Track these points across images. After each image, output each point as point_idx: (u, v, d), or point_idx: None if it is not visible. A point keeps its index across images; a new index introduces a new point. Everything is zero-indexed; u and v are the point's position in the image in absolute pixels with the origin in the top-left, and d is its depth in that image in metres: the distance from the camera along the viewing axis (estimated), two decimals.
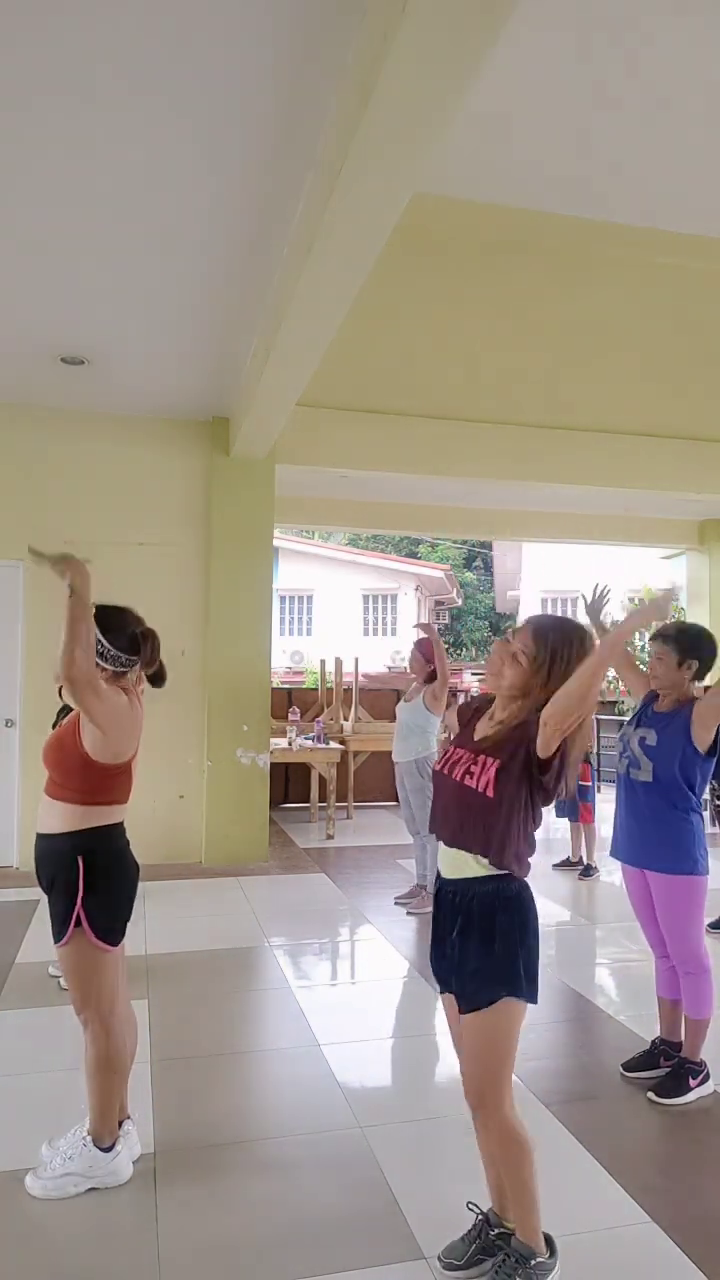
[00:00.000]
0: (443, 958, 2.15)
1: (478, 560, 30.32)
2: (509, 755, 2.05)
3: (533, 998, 2.08)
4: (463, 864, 2.10)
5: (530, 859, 2.13)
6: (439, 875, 2.20)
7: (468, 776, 2.10)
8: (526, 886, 2.12)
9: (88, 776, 2.53)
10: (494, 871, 2.07)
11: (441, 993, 2.21)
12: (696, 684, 3.22)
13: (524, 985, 2.06)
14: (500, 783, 2.04)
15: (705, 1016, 3.14)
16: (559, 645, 2.08)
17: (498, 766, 2.05)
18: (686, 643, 3.16)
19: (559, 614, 2.17)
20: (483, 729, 2.19)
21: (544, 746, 2.00)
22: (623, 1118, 2.97)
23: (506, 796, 2.04)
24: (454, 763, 2.17)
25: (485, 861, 2.07)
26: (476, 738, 2.18)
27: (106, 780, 2.55)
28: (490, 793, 2.04)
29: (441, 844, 2.18)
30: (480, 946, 2.06)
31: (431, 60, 2.36)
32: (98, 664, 2.49)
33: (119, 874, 2.58)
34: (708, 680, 3.26)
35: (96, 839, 2.54)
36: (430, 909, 5.64)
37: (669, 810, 3.11)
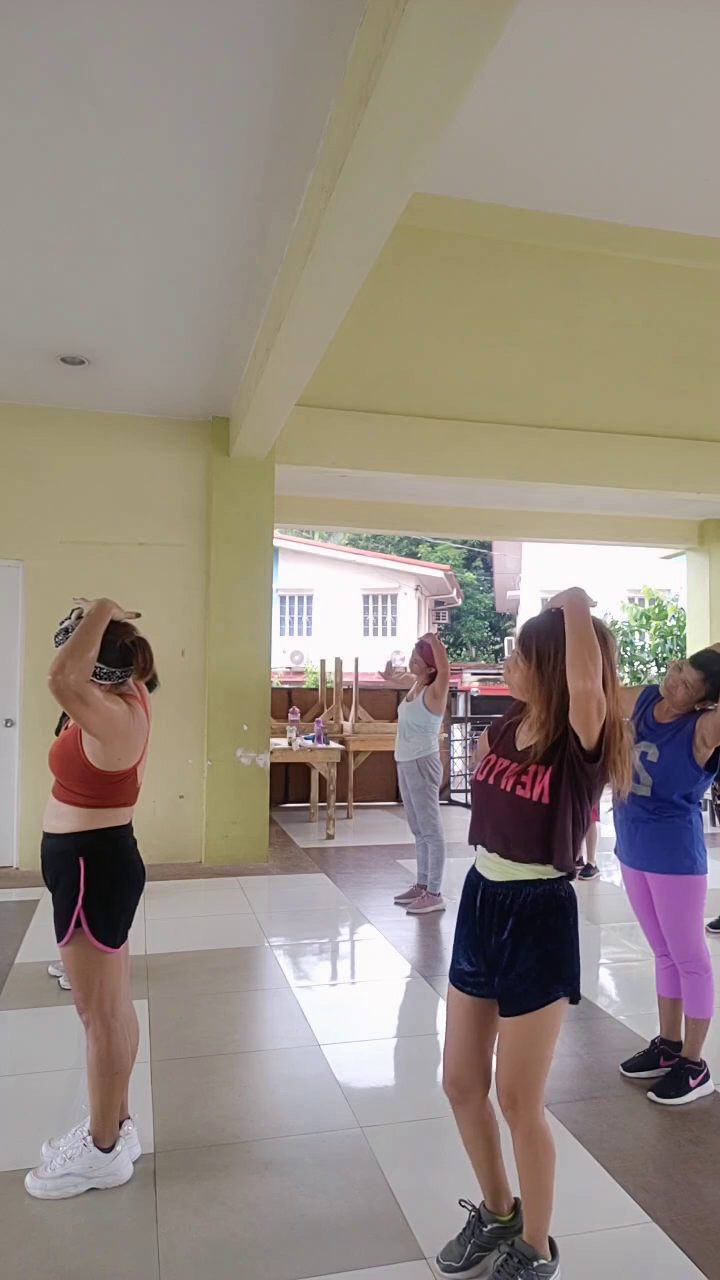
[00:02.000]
0: (480, 959, 2.12)
1: (478, 560, 30.33)
2: (559, 759, 2.05)
3: (578, 997, 2.10)
4: (512, 868, 2.10)
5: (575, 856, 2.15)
6: (481, 878, 2.16)
7: (520, 788, 2.08)
8: (573, 888, 2.14)
9: (91, 783, 2.52)
10: (544, 874, 2.08)
11: (460, 992, 2.17)
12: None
13: (577, 984, 2.08)
14: (555, 787, 2.04)
15: (706, 1016, 3.14)
16: (542, 643, 2.11)
17: (551, 773, 2.05)
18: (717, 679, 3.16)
19: (546, 620, 2.17)
20: (525, 737, 2.15)
21: (585, 736, 2.02)
22: (623, 1118, 2.97)
23: (562, 800, 2.04)
24: (499, 773, 2.14)
25: (540, 866, 2.07)
26: (520, 746, 2.15)
27: (111, 786, 2.55)
28: (546, 799, 2.04)
29: (482, 849, 2.17)
30: (535, 948, 2.05)
31: (431, 60, 2.36)
32: (92, 680, 2.46)
33: (122, 876, 2.58)
34: None
35: (100, 841, 2.54)
36: (432, 908, 5.67)
37: (665, 810, 3.11)
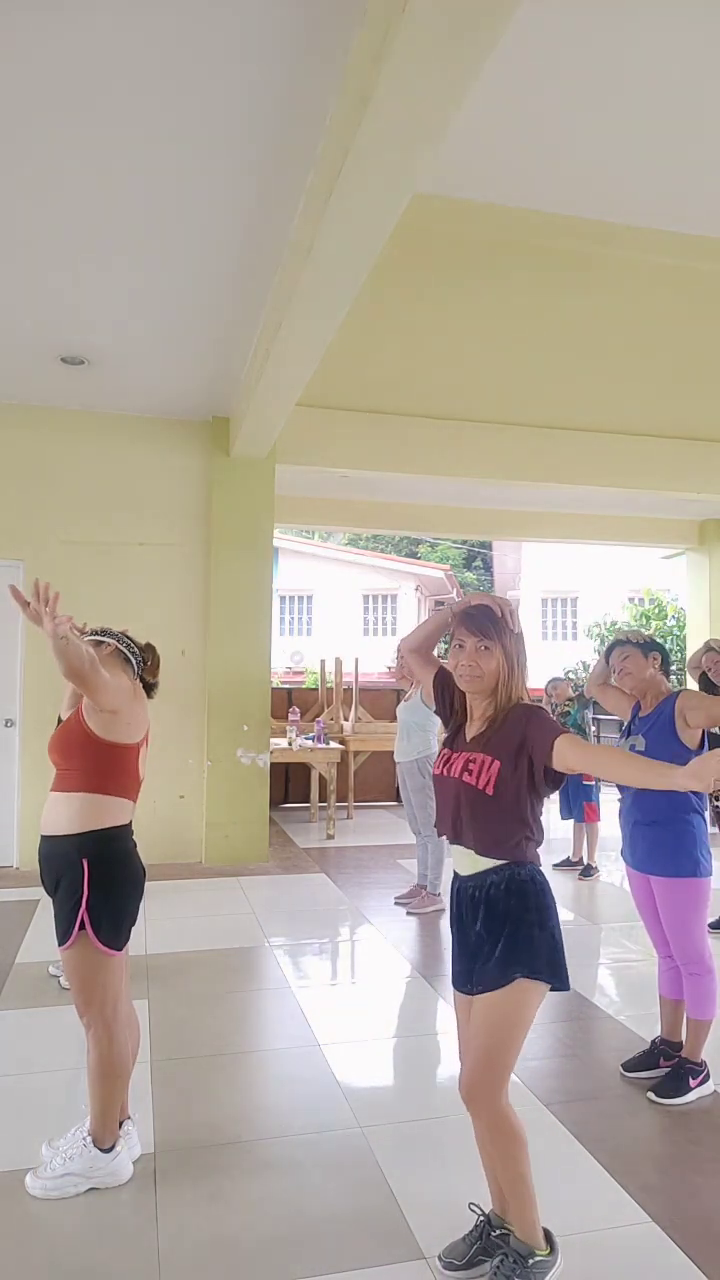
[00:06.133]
0: (465, 954, 2.16)
1: (478, 560, 30.32)
2: (511, 758, 2.09)
3: (558, 983, 2.10)
4: (475, 858, 2.14)
5: (537, 846, 2.16)
6: (455, 874, 2.22)
7: (466, 774, 2.14)
8: (539, 871, 2.15)
9: (89, 754, 2.53)
10: (504, 861, 2.11)
11: (460, 993, 2.20)
12: (669, 681, 3.33)
13: (543, 968, 2.07)
14: (501, 781, 2.09)
15: (708, 1017, 3.14)
16: (519, 648, 2.20)
17: (499, 767, 2.10)
18: (642, 640, 3.33)
19: (484, 602, 2.24)
20: (473, 728, 2.23)
21: (562, 766, 2.06)
22: (623, 1118, 2.97)
23: (508, 794, 2.09)
24: (451, 763, 2.21)
25: (487, 857, 2.12)
26: (469, 738, 2.22)
27: (111, 761, 2.55)
28: (490, 790, 2.09)
29: (449, 842, 2.23)
30: (498, 932, 2.08)
31: (432, 60, 2.36)
32: (118, 649, 2.69)
33: (124, 877, 2.57)
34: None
35: (102, 841, 2.53)
36: (432, 908, 5.66)
37: (668, 813, 3.11)
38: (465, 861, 2.17)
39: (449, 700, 2.33)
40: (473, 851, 2.14)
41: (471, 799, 2.12)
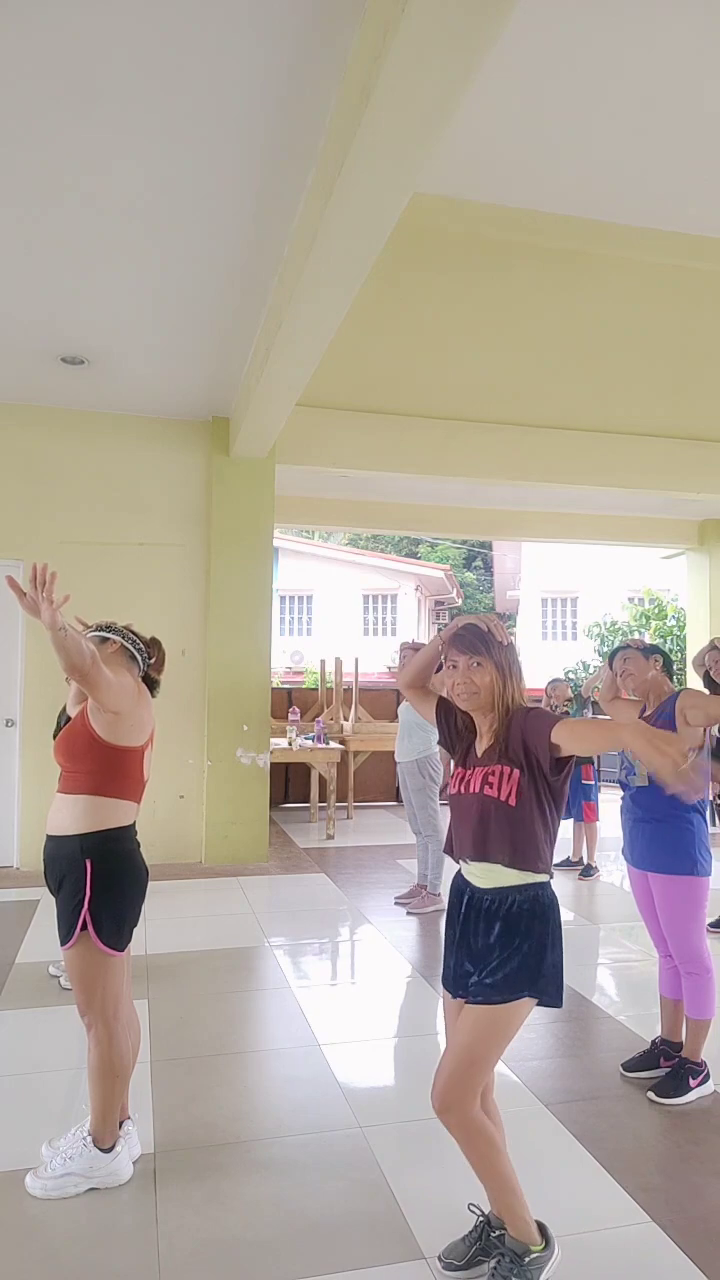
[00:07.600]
0: (466, 959, 2.15)
1: (478, 560, 30.34)
2: (525, 764, 2.10)
3: (557, 1000, 2.11)
4: (496, 873, 2.13)
5: (550, 857, 2.17)
6: (468, 884, 2.20)
7: (487, 787, 2.13)
8: (554, 893, 2.17)
9: (94, 757, 2.53)
10: (528, 880, 2.11)
11: (454, 997, 2.20)
12: (671, 682, 3.36)
13: (548, 986, 2.09)
14: (522, 790, 2.09)
15: (707, 1017, 3.14)
16: (511, 657, 2.22)
17: (519, 776, 2.10)
18: (644, 646, 3.38)
19: (470, 621, 2.27)
20: (483, 743, 2.22)
21: (559, 750, 2.07)
22: (623, 1118, 2.97)
23: (529, 802, 2.09)
24: (468, 780, 2.20)
25: (515, 870, 2.11)
26: (481, 753, 2.21)
27: (116, 763, 2.55)
28: (513, 801, 2.09)
29: (465, 859, 2.20)
30: (513, 949, 2.08)
31: (431, 60, 2.36)
32: (124, 646, 2.70)
33: (127, 878, 2.57)
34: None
35: (106, 842, 2.53)
36: (432, 908, 5.65)
37: (668, 811, 3.11)
38: (487, 876, 2.14)
39: (452, 725, 2.33)
40: (500, 866, 2.11)
41: (496, 812, 2.11)
